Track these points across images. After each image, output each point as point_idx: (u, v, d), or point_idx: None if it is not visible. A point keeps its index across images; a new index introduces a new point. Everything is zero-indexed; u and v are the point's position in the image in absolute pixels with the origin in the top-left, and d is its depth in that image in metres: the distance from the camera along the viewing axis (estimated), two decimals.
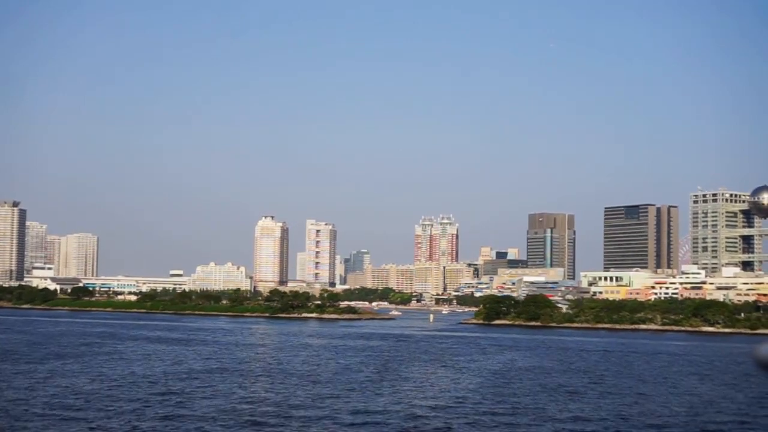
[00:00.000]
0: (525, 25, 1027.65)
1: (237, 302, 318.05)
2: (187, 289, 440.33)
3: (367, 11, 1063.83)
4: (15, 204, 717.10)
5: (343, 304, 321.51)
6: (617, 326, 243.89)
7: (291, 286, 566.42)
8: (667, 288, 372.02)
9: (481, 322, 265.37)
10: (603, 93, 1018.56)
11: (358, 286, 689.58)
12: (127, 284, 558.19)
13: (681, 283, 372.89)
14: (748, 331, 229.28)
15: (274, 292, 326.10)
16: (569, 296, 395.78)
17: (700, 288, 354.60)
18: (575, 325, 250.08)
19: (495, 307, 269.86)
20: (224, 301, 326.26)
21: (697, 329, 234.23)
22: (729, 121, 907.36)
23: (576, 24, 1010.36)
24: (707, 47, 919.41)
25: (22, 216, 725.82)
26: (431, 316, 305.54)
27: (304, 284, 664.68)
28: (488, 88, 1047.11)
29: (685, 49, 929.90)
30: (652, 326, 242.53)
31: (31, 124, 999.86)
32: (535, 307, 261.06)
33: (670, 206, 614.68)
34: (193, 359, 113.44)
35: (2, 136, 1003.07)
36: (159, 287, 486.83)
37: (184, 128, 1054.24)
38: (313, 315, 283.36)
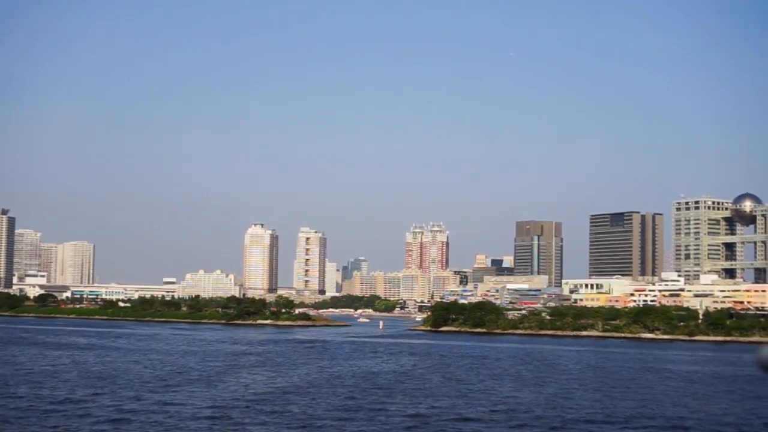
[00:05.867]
0: (522, 29, 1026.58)
1: (196, 309, 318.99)
2: (176, 297, 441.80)
3: (360, 18, 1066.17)
4: (4, 212, 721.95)
5: (301, 310, 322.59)
6: (560, 333, 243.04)
7: (280, 294, 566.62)
8: (645, 295, 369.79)
9: (428, 329, 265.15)
10: (596, 99, 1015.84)
11: (348, 294, 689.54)
12: (116, 292, 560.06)
13: (660, 291, 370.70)
14: (686, 338, 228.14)
15: (231, 299, 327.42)
16: (551, 303, 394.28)
17: (678, 295, 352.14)
18: (519, 331, 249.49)
19: (442, 314, 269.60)
20: (184, 308, 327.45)
21: (636, 336, 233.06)
22: (718, 128, 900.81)
23: (571, 26, 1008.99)
24: (700, 52, 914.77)
25: (11, 223, 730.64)
26: (381, 323, 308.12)
27: (294, 292, 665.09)
28: (481, 96, 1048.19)
29: (676, 55, 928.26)
30: (594, 333, 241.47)
31: (28, 131, 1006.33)
32: (481, 314, 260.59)
33: (655, 214, 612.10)
34: (49, 364, 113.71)
35: None
36: (149, 294, 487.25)
37: (179, 135, 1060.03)
38: (268, 322, 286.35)
